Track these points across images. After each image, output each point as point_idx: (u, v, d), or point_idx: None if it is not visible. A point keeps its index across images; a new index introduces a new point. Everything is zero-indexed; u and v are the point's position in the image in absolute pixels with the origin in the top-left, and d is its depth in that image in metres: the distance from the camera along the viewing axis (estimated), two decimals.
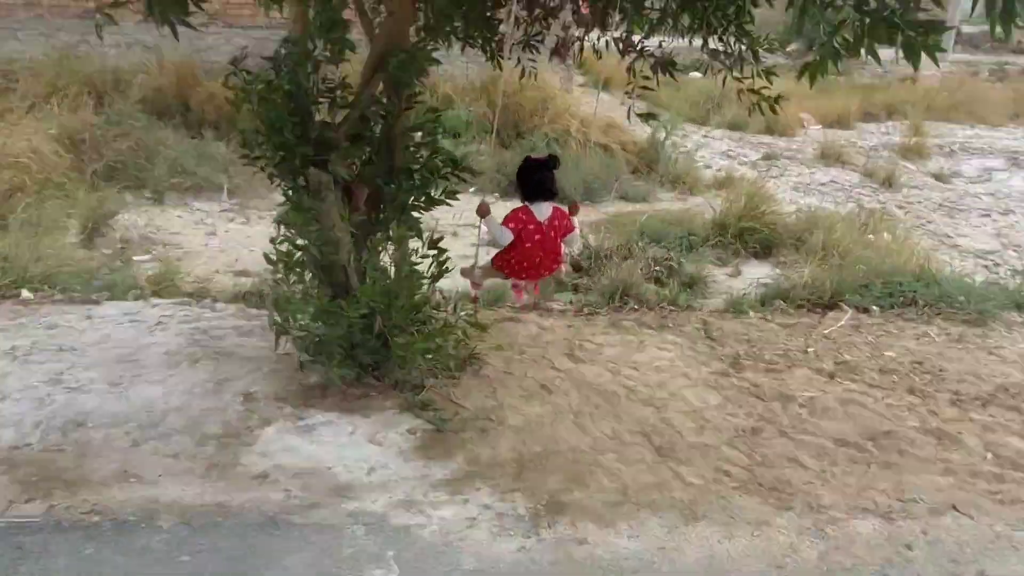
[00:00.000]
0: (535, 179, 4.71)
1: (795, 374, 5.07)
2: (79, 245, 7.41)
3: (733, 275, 7.68)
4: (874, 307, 6.44)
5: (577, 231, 4.91)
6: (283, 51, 4.15)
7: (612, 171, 10.19)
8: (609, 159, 10.31)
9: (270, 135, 4.15)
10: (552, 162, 4.77)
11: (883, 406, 4.74)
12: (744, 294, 6.68)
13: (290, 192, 4.23)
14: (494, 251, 5.03)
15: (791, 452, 4.21)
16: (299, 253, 4.21)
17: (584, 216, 9.79)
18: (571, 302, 6.51)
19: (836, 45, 3.48)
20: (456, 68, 11.10)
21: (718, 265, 7.90)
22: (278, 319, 4.26)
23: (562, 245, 4.86)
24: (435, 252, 4.65)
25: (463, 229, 8.96)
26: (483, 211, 4.67)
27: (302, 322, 4.33)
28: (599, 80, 11.60)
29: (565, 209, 4.84)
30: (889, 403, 4.78)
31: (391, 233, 4.58)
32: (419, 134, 4.46)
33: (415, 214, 4.54)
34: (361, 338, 4.33)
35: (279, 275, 4.28)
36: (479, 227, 4.93)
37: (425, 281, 4.54)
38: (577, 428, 4.33)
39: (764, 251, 8.13)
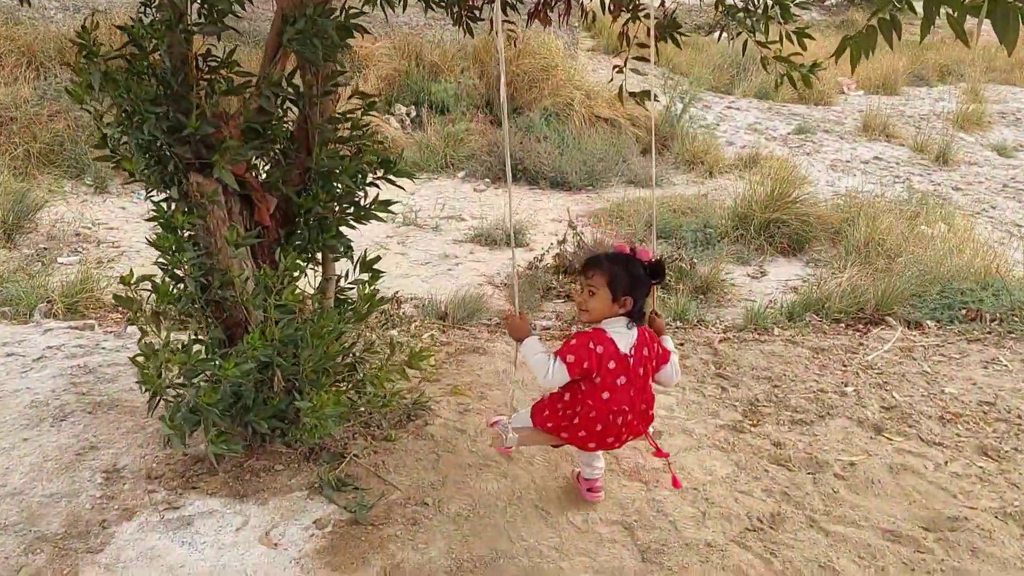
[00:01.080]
0: (648, 288, 2.97)
1: (830, 427, 3.96)
2: None
3: (756, 276, 6.60)
4: (929, 322, 5.31)
5: (674, 359, 3.08)
6: (146, 15, 3.11)
7: (619, 151, 9.05)
8: (616, 136, 9.15)
9: (128, 130, 3.11)
10: (661, 268, 3.00)
11: (946, 476, 3.63)
12: (768, 306, 5.56)
13: (165, 205, 3.17)
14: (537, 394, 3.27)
15: (824, 553, 3.11)
16: (176, 286, 3.15)
17: (585, 204, 8.66)
18: (556, 317, 5.42)
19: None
20: (447, 33, 9.95)
21: (739, 264, 6.80)
22: (146, 374, 3.20)
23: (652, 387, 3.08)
24: (367, 276, 3.60)
25: (446, 223, 7.89)
26: (517, 331, 2.97)
27: (176, 380, 3.28)
28: (610, 43, 10.41)
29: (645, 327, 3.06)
30: (954, 471, 3.67)
31: (307, 256, 3.55)
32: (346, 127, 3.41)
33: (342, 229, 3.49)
34: (256, 398, 3.28)
35: (142, 318, 3.22)
36: (515, 354, 3.09)
37: (363, 313, 3.50)
38: (539, 517, 3.27)
39: (794, 247, 7.02)
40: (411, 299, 5.99)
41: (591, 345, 2.85)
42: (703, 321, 5.40)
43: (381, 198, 3.45)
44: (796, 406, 4.11)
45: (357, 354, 3.73)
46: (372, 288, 3.46)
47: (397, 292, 5.90)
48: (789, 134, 10.68)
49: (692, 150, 9.45)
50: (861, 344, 4.98)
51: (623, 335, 2.90)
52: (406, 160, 3.41)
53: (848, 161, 9.55)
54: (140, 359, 3.16)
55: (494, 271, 6.76)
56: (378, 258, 3.58)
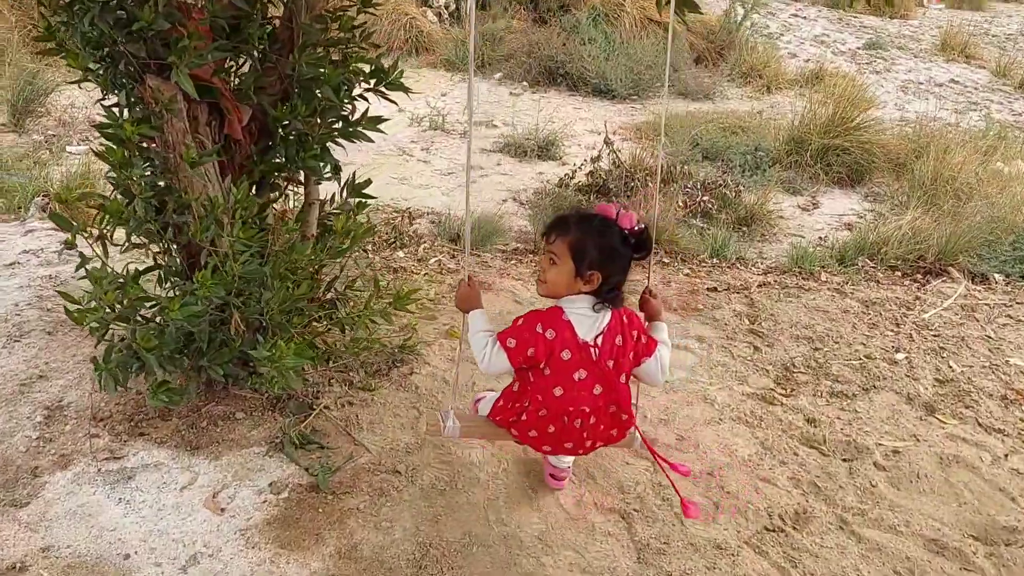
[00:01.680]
0: (627, 263, 2.36)
1: (875, 403, 3.45)
2: (8, 127, 6.11)
3: (807, 209, 6.00)
4: (997, 276, 4.72)
5: (662, 353, 2.45)
6: None
7: (672, 59, 8.30)
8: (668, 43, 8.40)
9: (70, 19, 2.62)
10: (645, 240, 2.37)
11: (1005, 473, 3.13)
12: (818, 243, 5.00)
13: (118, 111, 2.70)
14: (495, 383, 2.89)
15: (853, 566, 2.66)
16: (128, 206, 2.71)
17: (627, 116, 7.97)
18: None
19: None
20: None
21: (789, 194, 6.19)
22: (75, 312, 2.75)
23: (628, 384, 2.44)
24: (356, 202, 3.14)
25: (475, 129, 7.30)
26: (464, 301, 2.48)
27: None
28: None
29: (633, 310, 2.49)
30: (1015, 467, 3.16)
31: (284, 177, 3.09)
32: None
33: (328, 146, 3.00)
34: (213, 339, 2.87)
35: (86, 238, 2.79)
36: (461, 330, 2.55)
37: (343, 247, 3.05)
38: (525, 496, 2.85)
39: (853, 178, 6.37)
40: (428, 213, 5.51)
41: (539, 328, 2.28)
42: (742, 259, 4.85)
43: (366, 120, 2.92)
44: (838, 374, 3.60)
45: (339, 289, 3.29)
46: (356, 217, 2.98)
47: (408, 209, 5.43)
48: (859, 49, 9.79)
49: (750, 61, 8.68)
50: (918, 298, 4.41)
51: (586, 319, 2.31)
52: (402, 70, 2.81)
53: (921, 83, 8.71)
54: (74, 291, 2.75)
55: (521, 185, 6.22)
56: (368, 182, 3.10)
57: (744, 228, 5.48)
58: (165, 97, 2.54)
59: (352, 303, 3.29)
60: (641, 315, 2.51)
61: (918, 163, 6.01)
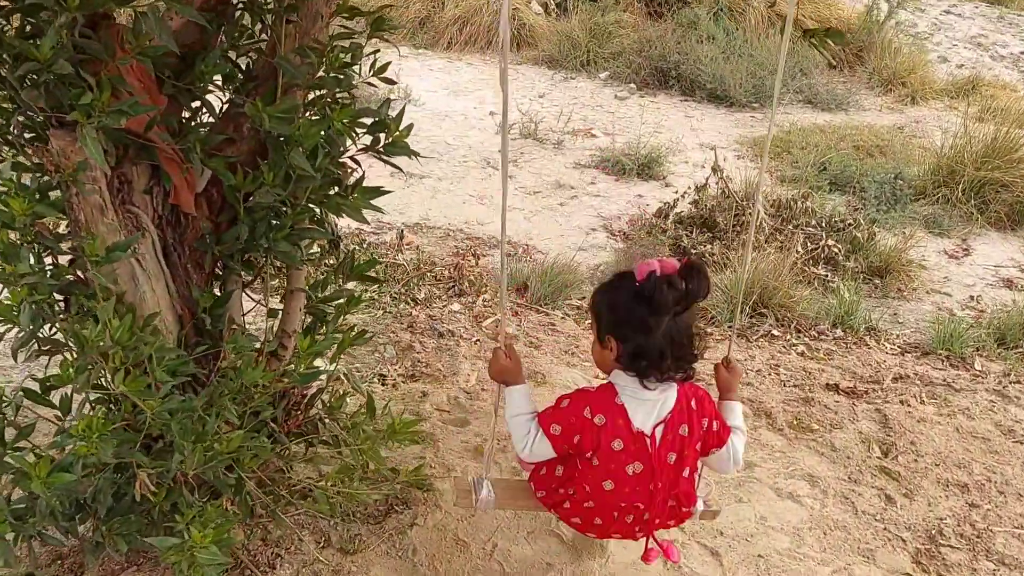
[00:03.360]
0: (647, 324, 1.84)
1: None
2: None
3: (956, 256, 5.04)
4: None
5: (735, 444, 2.02)
6: None
7: (799, 62, 7.32)
8: (799, 44, 7.41)
9: None
10: (692, 278, 1.83)
11: None
12: (968, 304, 4.08)
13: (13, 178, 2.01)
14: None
15: None
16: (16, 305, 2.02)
17: (746, 127, 6.95)
18: None
19: None
20: None
21: (934, 235, 5.22)
22: None
23: (696, 476, 2.06)
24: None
25: (571, 139, 6.53)
26: (501, 373, 2.03)
27: None
28: None
29: (707, 390, 2.06)
30: None
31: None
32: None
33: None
34: (118, 501, 2.12)
35: None
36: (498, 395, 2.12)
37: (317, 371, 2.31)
38: None
39: (1014, 219, 5.32)
40: (507, 242, 4.80)
41: (587, 413, 1.90)
42: (873, 331, 3.95)
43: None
44: (1004, 552, 2.64)
45: (324, 402, 2.53)
46: (336, 329, 2.25)
47: (478, 241, 4.74)
48: (1022, 53, 8.54)
49: (893, 66, 7.60)
50: None
51: (643, 402, 1.90)
52: (405, 129, 2.00)
53: None
54: None
55: (616, 211, 5.44)
56: (374, 261, 2.38)
57: (877, 280, 4.57)
58: (71, 164, 1.80)
59: (340, 426, 2.52)
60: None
61: None
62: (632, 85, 7.66)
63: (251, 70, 2.16)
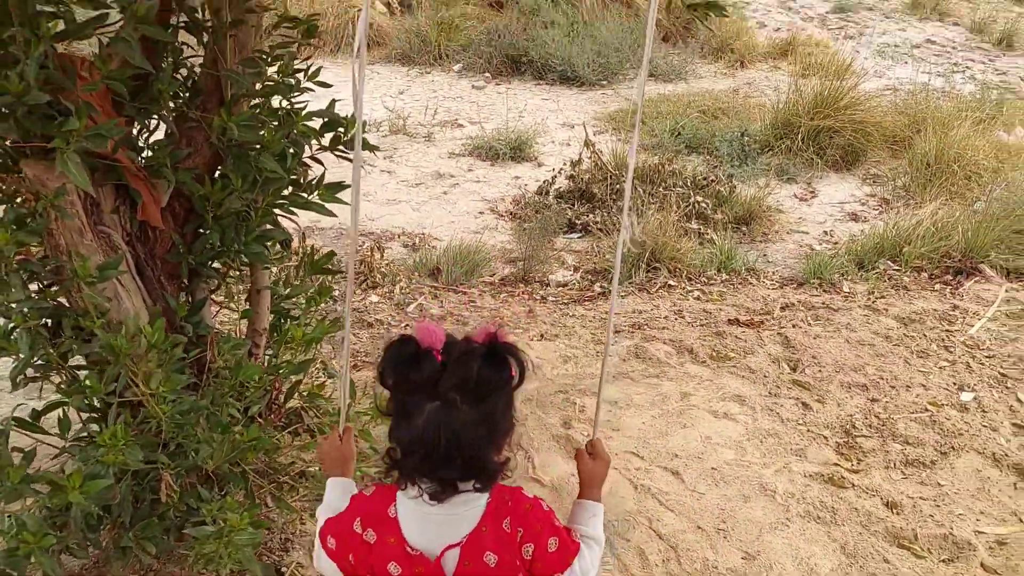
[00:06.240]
0: (410, 409, 1.30)
1: (957, 470, 2.95)
2: None
3: (805, 198, 5.60)
4: None
5: (583, 560, 1.42)
6: None
7: (636, 38, 7.83)
8: (633, 21, 7.92)
9: None
10: (496, 348, 1.29)
11: None
12: (823, 239, 4.60)
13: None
14: None
15: None
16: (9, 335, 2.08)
17: (599, 104, 7.40)
18: (574, 269, 4.47)
19: None
20: None
21: (784, 182, 5.79)
22: None
23: None
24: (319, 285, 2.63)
25: (440, 130, 6.77)
26: (327, 459, 1.71)
27: None
28: None
29: (532, 498, 1.42)
30: None
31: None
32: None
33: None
34: (140, 507, 2.22)
35: None
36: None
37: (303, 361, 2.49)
38: None
39: (848, 160, 5.96)
40: (399, 235, 5.01)
41: (357, 527, 1.41)
42: (753, 271, 4.43)
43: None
44: (907, 434, 3.12)
45: (303, 394, 2.69)
46: (311, 316, 2.43)
47: (376, 235, 4.92)
48: (827, 13, 9.41)
49: (720, 35, 8.24)
50: (956, 307, 4.02)
51: (422, 516, 1.37)
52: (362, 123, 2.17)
53: (897, 46, 8.33)
54: None
55: (498, 194, 5.73)
56: (332, 255, 2.57)
57: (743, 228, 5.07)
58: (49, 190, 1.89)
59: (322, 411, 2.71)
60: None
61: (917, 139, 5.63)
62: (487, 74, 7.97)
63: (195, 84, 2.30)
